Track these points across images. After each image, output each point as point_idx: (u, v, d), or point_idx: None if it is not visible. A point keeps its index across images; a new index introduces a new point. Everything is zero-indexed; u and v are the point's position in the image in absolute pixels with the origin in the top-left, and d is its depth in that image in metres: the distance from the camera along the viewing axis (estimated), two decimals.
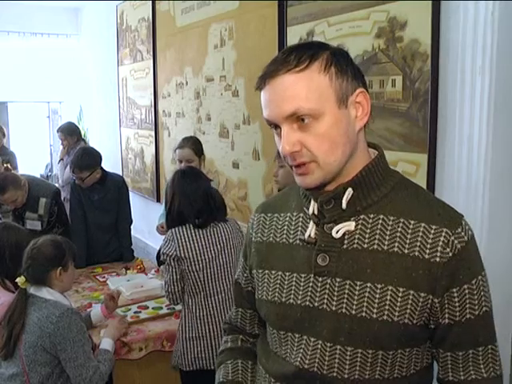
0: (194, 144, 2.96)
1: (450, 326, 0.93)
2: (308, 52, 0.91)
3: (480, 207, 1.73)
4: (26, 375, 1.95)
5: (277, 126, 0.94)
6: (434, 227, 0.92)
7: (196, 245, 2.19)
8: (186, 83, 3.77)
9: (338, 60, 0.92)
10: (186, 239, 2.19)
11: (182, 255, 2.17)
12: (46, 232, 3.33)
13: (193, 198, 2.22)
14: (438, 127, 1.86)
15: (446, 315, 0.93)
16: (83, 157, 3.26)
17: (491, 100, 1.69)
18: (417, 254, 0.92)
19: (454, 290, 0.92)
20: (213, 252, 2.22)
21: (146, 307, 2.68)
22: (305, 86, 0.90)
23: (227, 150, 3.28)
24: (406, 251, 0.92)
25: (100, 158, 3.39)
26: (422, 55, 1.88)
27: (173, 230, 2.22)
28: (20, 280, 2.03)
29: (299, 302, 0.99)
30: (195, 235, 2.20)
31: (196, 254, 2.18)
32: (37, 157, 6.83)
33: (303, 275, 1.00)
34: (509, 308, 1.79)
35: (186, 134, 3.79)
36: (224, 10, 3.20)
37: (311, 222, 1.00)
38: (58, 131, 4.94)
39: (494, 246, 1.75)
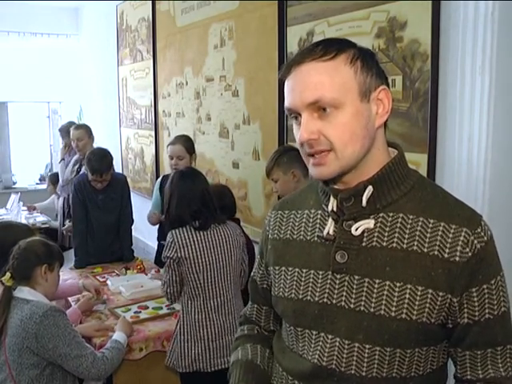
0: (185, 141, 3.03)
1: (469, 325, 0.93)
2: (336, 45, 0.93)
3: (480, 207, 1.73)
4: (13, 380, 1.88)
5: (297, 117, 0.95)
6: (453, 226, 0.92)
7: (196, 246, 2.18)
8: (186, 83, 3.77)
9: (365, 56, 0.94)
10: (186, 240, 2.18)
11: (183, 255, 2.16)
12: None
13: (189, 199, 2.21)
14: (437, 127, 1.86)
15: (465, 315, 0.93)
16: (103, 160, 3.21)
17: (491, 100, 1.69)
18: (436, 253, 0.91)
19: (474, 289, 0.92)
20: (213, 255, 2.21)
21: (146, 307, 2.68)
22: (329, 75, 0.90)
23: (227, 150, 3.28)
24: (426, 250, 0.92)
25: (112, 156, 3.38)
26: (422, 55, 1.88)
27: (173, 231, 2.21)
28: (5, 277, 1.96)
29: (317, 298, 0.99)
30: (195, 236, 2.20)
31: (196, 255, 2.18)
32: (37, 157, 6.84)
33: (321, 272, 1.00)
34: None
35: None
36: (224, 10, 3.20)
37: (330, 219, 1.00)
38: (58, 130, 4.99)
39: None
